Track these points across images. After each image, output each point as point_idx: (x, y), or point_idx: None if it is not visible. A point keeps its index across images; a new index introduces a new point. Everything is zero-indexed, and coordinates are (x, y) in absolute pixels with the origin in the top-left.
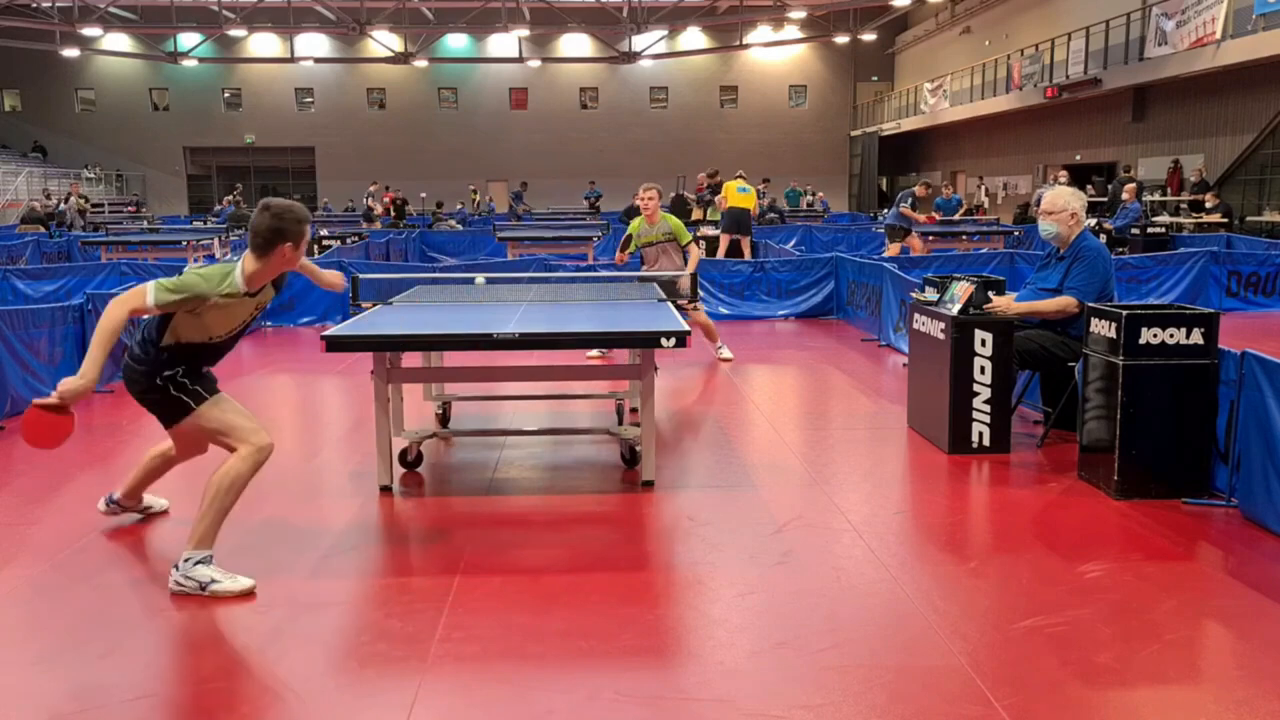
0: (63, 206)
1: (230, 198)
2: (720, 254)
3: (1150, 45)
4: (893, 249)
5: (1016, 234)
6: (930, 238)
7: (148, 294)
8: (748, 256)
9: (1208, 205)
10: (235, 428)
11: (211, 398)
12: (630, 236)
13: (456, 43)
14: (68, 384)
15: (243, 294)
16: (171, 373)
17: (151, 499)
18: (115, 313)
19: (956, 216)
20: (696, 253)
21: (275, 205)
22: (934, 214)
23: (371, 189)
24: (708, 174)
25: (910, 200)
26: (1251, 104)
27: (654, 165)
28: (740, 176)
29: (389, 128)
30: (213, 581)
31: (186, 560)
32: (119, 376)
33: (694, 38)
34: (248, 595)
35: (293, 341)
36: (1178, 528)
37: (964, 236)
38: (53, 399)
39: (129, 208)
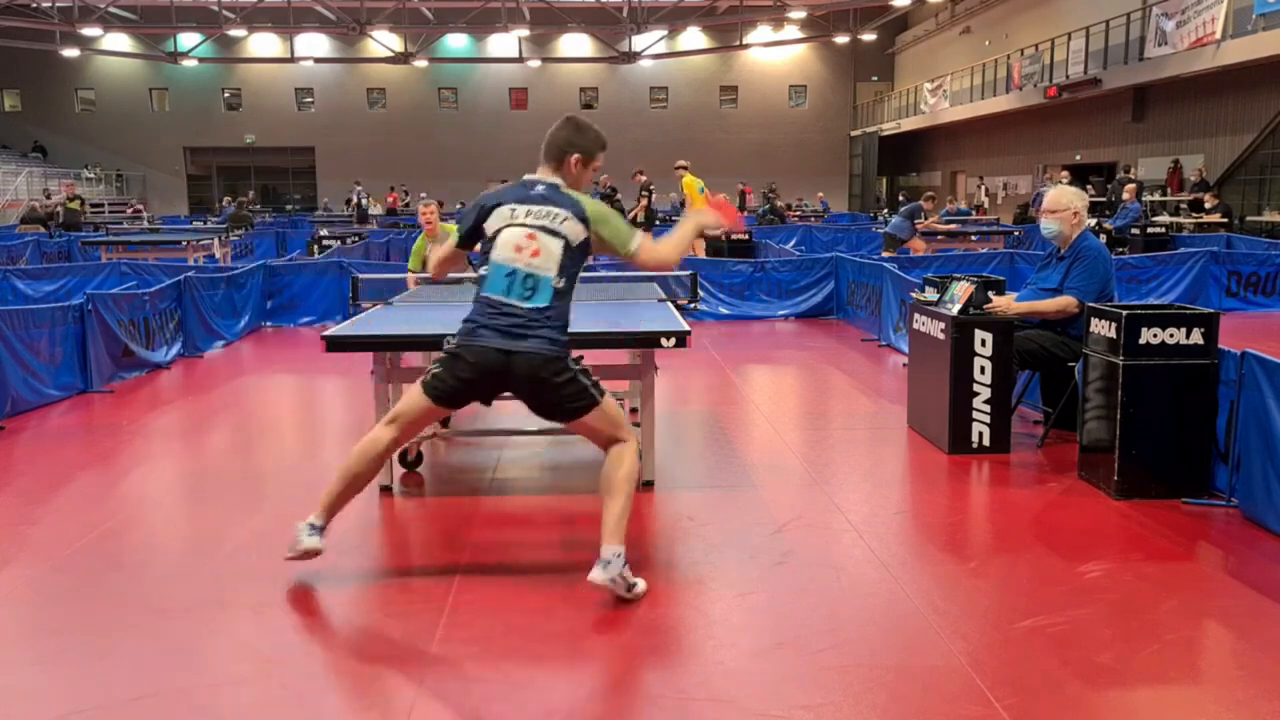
0: (52, 203)
1: (229, 199)
2: (700, 253)
3: (1150, 45)
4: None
5: (1016, 234)
6: (940, 237)
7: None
8: (701, 254)
9: (1207, 205)
10: (623, 420)
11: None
12: (420, 257)
13: (456, 43)
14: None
15: None
16: (578, 354)
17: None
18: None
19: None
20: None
21: (578, 118)
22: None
23: (357, 187)
24: (639, 171)
25: (922, 214)
26: (1251, 104)
27: (654, 165)
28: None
29: (389, 128)
30: (636, 584)
31: (618, 557)
32: (119, 376)
33: (694, 38)
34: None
35: (293, 341)
36: (1178, 528)
37: (971, 236)
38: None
39: (129, 208)
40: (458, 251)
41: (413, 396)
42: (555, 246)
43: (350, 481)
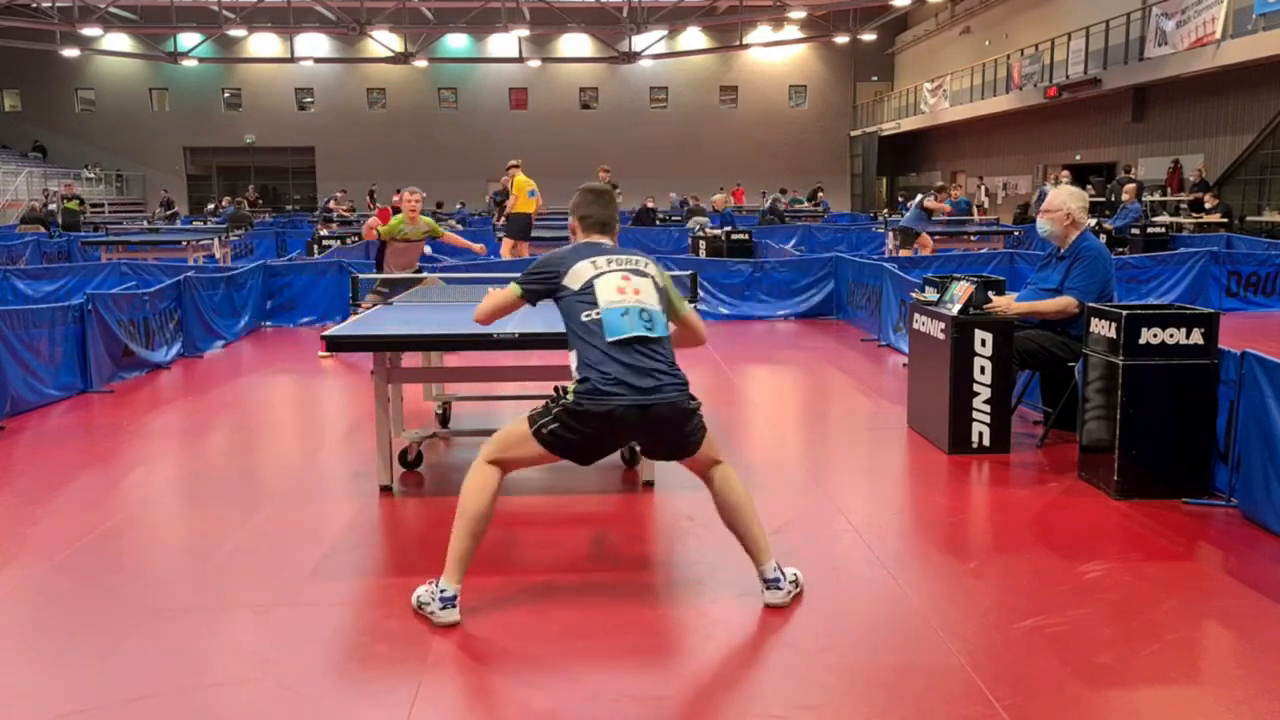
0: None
1: (227, 199)
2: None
3: (1150, 45)
4: (905, 251)
5: (1016, 234)
6: (938, 236)
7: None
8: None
9: (1207, 205)
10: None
11: None
12: (390, 228)
13: (456, 43)
14: None
15: None
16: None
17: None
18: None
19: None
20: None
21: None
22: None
23: (338, 194)
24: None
25: (919, 212)
26: (1251, 104)
27: (654, 165)
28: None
29: (389, 128)
30: (796, 575)
31: (775, 569)
32: (119, 376)
33: (694, 38)
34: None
35: (293, 341)
36: (1178, 528)
37: (971, 236)
38: None
39: (165, 213)
40: (517, 303)
41: (524, 443)
42: (647, 285)
43: (478, 529)
